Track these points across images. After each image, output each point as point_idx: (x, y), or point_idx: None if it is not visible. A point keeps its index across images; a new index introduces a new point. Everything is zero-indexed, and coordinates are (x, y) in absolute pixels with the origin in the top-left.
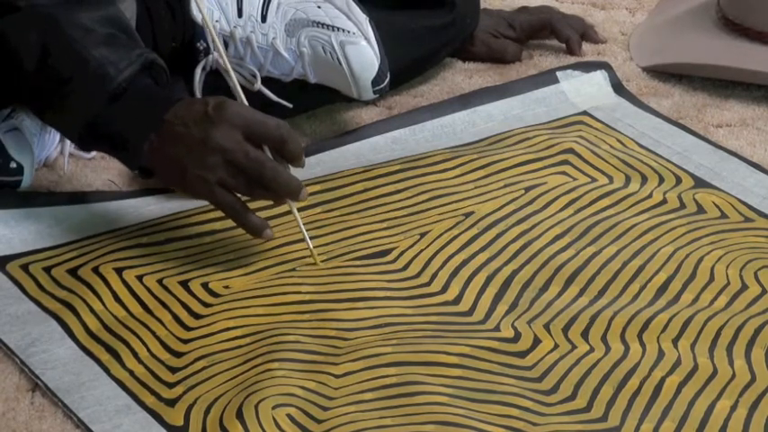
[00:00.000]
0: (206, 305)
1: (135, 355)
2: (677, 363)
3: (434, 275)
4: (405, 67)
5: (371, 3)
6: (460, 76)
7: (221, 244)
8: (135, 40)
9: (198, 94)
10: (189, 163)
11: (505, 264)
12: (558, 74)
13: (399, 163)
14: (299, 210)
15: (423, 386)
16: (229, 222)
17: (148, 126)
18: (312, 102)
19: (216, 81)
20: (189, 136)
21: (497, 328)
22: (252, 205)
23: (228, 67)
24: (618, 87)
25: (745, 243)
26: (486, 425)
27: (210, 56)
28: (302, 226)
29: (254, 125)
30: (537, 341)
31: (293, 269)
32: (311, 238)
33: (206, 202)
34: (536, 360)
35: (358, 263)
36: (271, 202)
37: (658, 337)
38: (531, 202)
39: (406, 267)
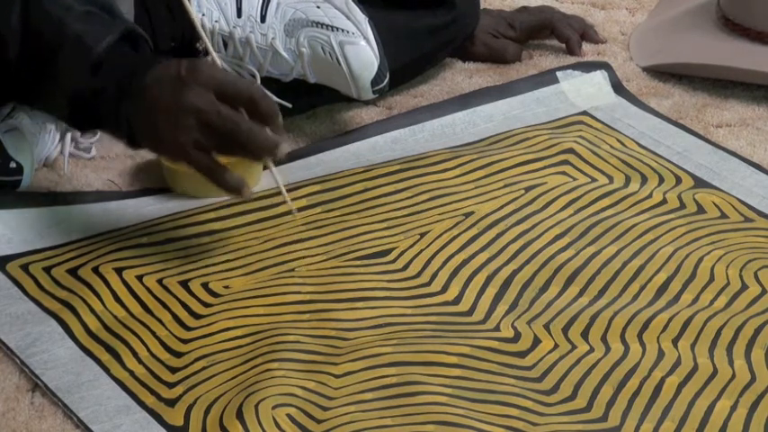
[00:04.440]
0: (206, 305)
1: (135, 355)
2: (677, 363)
3: (434, 275)
4: (404, 66)
5: (370, 2)
6: (460, 76)
7: (221, 244)
8: (116, 17)
9: None
10: (164, 126)
11: (505, 264)
12: (558, 74)
13: (399, 163)
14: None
15: (423, 386)
16: (229, 222)
17: (130, 93)
18: (312, 102)
19: None
20: (163, 99)
21: (497, 328)
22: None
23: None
24: (618, 87)
25: (745, 243)
26: (486, 425)
27: (209, 56)
28: (279, 180)
29: (226, 85)
30: (537, 341)
31: (293, 269)
32: (312, 238)
33: (206, 202)
34: (536, 360)
35: (358, 263)
36: (267, 204)
37: (658, 338)
38: (531, 202)
39: (406, 267)
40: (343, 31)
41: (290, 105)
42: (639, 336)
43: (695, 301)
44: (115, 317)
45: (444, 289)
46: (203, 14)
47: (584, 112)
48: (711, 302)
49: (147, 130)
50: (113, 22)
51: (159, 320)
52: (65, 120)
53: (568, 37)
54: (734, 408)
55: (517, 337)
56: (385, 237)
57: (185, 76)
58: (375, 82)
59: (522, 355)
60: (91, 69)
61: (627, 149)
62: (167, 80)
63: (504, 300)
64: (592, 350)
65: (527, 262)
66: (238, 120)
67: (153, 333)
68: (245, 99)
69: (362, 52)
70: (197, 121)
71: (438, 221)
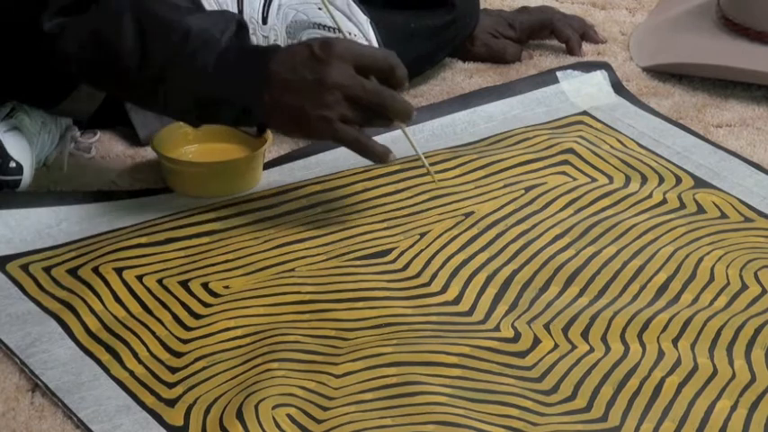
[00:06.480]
0: (206, 305)
1: (135, 355)
2: (677, 363)
3: (434, 275)
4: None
5: (370, 2)
6: (460, 76)
7: (221, 244)
8: (217, 9)
9: None
10: (307, 106)
11: (505, 264)
12: (558, 74)
13: (399, 163)
14: None
15: (423, 386)
16: (229, 222)
17: (260, 81)
18: None
19: None
20: (302, 80)
21: (497, 328)
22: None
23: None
24: (618, 87)
25: (745, 243)
26: (486, 425)
27: (337, 32)
28: (414, 143)
29: (364, 58)
30: (537, 341)
31: (293, 269)
32: (312, 238)
33: (206, 202)
34: (536, 360)
35: (358, 263)
36: (267, 204)
37: (658, 338)
38: (531, 202)
39: (406, 267)
40: (345, 32)
41: None
42: (639, 336)
43: (695, 301)
44: (115, 317)
45: (444, 289)
46: None
47: (585, 112)
48: (711, 302)
49: (285, 114)
50: (218, 12)
51: (159, 320)
52: (187, 120)
53: (568, 37)
54: (734, 408)
55: (517, 337)
56: (385, 237)
57: (321, 54)
58: None
59: (522, 355)
60: (217, 61)
61: (627, 149)
62: (301, 61)
63: (504, 300)
64: (592, 350)
65: (527, 262)
66: (381, 90)
67: (153, 333)
68: (383, 68)
69: None
70: (342, 95)
71: (438, 221)
